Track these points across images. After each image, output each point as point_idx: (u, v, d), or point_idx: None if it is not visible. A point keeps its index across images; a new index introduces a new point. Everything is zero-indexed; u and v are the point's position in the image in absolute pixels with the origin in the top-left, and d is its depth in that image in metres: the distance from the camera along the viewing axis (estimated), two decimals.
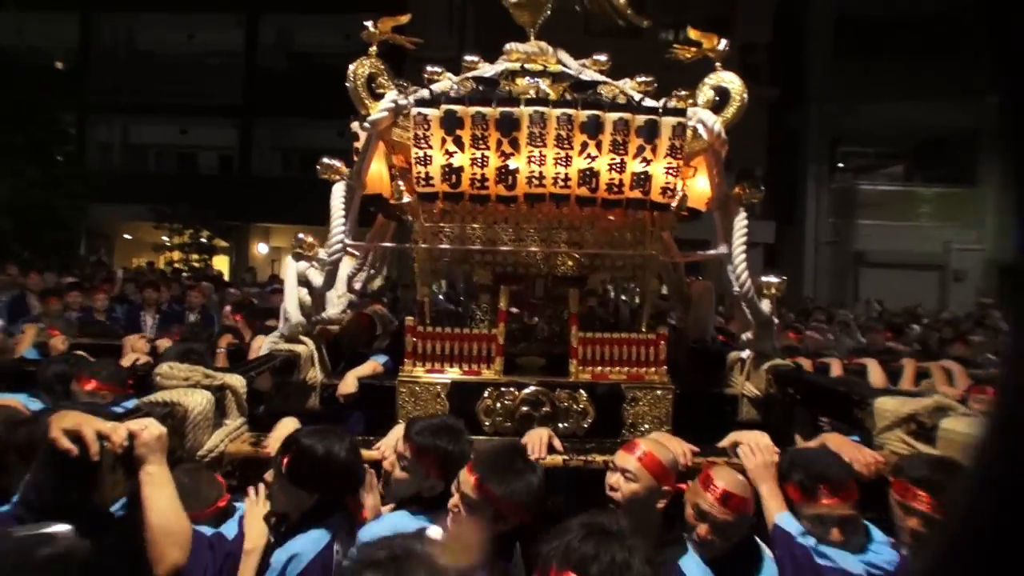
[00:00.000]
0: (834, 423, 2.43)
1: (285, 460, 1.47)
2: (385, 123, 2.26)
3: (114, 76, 14.24)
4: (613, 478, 1.67)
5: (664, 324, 2.62)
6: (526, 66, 2.71)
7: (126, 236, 15.38)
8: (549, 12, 2.91)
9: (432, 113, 2.12)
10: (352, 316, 3.18)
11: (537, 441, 1.92)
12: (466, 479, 1.46)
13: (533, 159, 2.14)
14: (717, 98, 2.45)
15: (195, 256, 12.68)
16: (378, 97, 2.32)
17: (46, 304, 5.19)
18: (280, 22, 14.45)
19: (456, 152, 2.14)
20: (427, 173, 2.17)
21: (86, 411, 1.25)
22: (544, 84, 2.64)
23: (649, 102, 2.57)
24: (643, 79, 2.76)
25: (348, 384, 2.52)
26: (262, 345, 3.22)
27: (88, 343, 3.62)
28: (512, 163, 2.15)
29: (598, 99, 2.23)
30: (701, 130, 2.32)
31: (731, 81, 2.43)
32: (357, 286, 3.14)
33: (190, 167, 16.15)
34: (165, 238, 12.79)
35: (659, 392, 2.50)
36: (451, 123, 2.11)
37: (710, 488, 1.53)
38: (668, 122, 2.20)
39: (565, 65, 2.79)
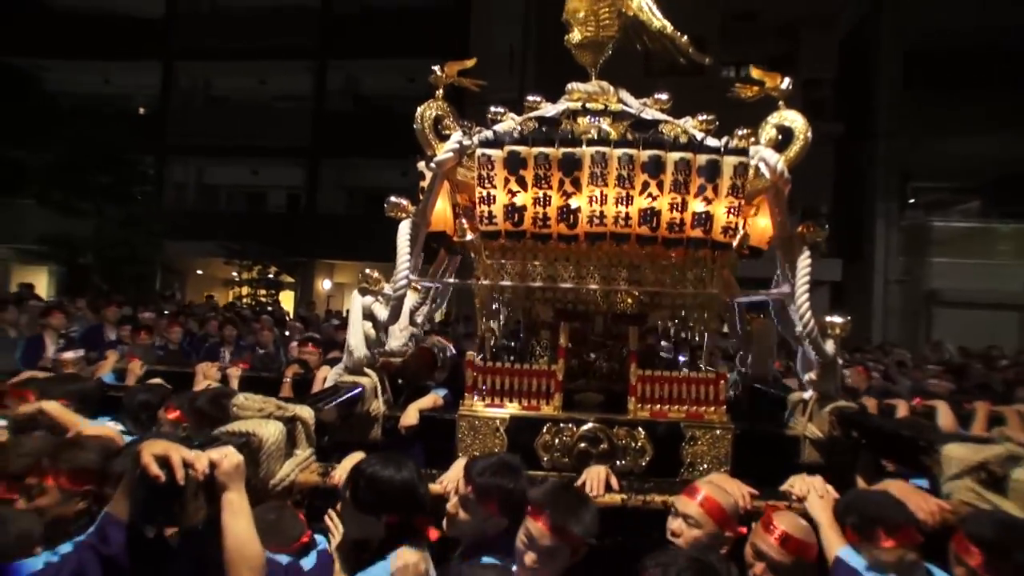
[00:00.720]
0: (900, 469, 2.31)
1: (350, 487, 1.54)
2: (450, 163, 2.40)
3: (191, 120, 15.60)
4: (675, 524, 1.66)
5: (725, 363, 2.57)
6: (587, 105, 2.81)
7: (198, 272, 16.46)
8: (610, 52, 3.01)
9: (496, 154, 2.23)
10: (414, 350, 3.27)
11: (595, 479, 1.92)
12: (537, 529, 1.47)
13: (594, 199, 2.21)
14: (780, 136, 2.46)
15: (262, 291, 13.38)
16: (444, 138, 2.46)
17: (125, 333, 5.62)
18: (347, 67, 15.47)
19: (519, 192, 2.24)
20: (490, 212, 2.27)
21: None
22: (605, 123, 2.73)
23: (711, 141, 2.61)
24: (704, 118, 2.80)
25: (410, 416, 2.59)
26: (328, 376, 3.39)
27: (163, 370, 3.79)
28: (574, 202, 2.23)
29: (659, 139, 2.29)
30: (763, 169, 2.33)
31: (794, 120, 2.44)
32: (419, 319, 3.25)
33: (259, 206, 17.28)
34: (235, 274, 13.58)
35: (718, 432, 2.47)
36: (514, 163, 2.22)
37: (770, 529, 1.55)
38: (730, 161, 2.22)
39: (626, 104, 2.88)
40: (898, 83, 13.13)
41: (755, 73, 2.55)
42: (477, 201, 2.29)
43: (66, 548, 1.29)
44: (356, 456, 1.83)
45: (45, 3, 15.79)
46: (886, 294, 12.96)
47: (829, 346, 2.56)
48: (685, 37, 3.04)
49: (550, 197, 2.23)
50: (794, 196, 2.52)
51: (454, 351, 4.74)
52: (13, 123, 13.25)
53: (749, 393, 3.27)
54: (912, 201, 13.90)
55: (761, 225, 2.65)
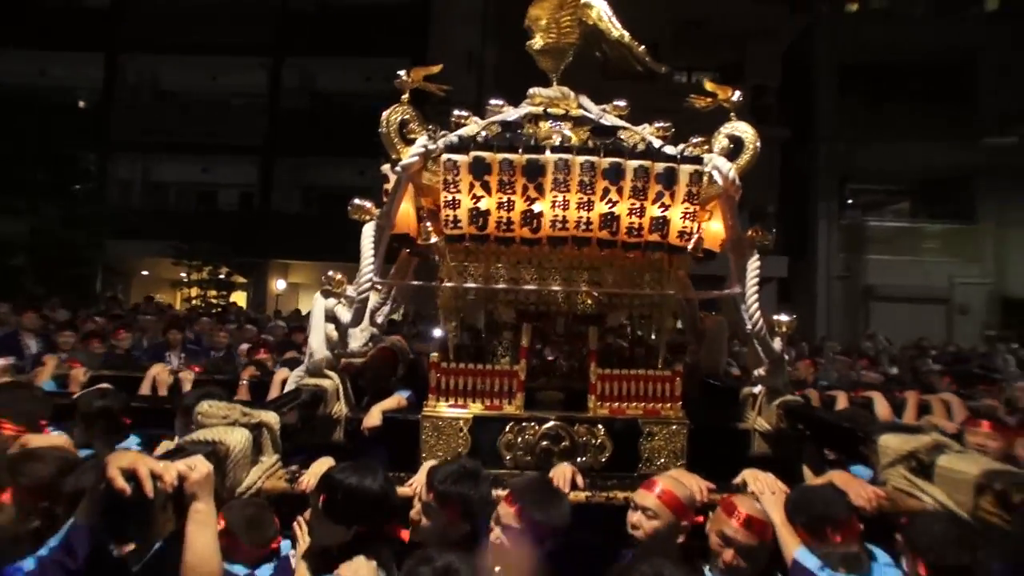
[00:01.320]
0: (842, 458, 2.48)
1: (321, 497, 1.53)
2: (416, 167, 2.40)
3: (137, 116, 14.76)
4: (635, 516, 1.73)
5: (681, 360, 2.68)
6: (549, 110, 2.86)
7: (144, 272, 15.66)
8: (571, 58, 3.07)
9: (461, 159, 2.26)
10: (375, 350, 3.25)
11: (561, 477, 1.98)
12: (506, 511, 1.55)
13: (557, 204, 2.27)
14: (731, 145, 2.57)
15: (213, 292, 12.87)
16: (409, 142, 2.46)
17: (68, 339, 5.29)
18: (303, 64, 15.04)
19: (483, 196, 2.27)
20: (455, 216, 2.29)
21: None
22: (566, 128, 2.79)
23: (668, 148, 2.70)
24: (661, 125, 2.89)
25: (373, 417, 2.58)
26: (287, 378, 3.32)
27: (110, 375, 3.59)
28: (537, 207, 2.28)
29: (620, 146, 2.36)
30: (716, 176, 2.43)
31: (745, 130, 2.56)
32: (380, 320, 3.23)
33: (210, 204, 16.57)
34: (183, 275, 13.00)
35: (674, 427, 2.58)
36: (479, 169, 2.25)
37: (734, 514, 1.63)
38: (686, 170, 2.32)
39: (586, 110, 2.94)
40: (834, 92, 13.96)
41: (708, 86, 2.65)
42: (442, 205, 2.30)
43: (29, 564, 1.24)
44: (324, 462, 1.82)
45: None
46: (829, 289, 13.71)
47: (776, 343, 2.70)
48: (642, 47, 3.14)
49: (514, 202, 2.27)
50: (743, 197, 2.63)
51: (412, 352, 4.74)
52: None
53: (701, 387, 3.41)
54: (850, 202, 14.75)
55: (714, 229, 2.76)
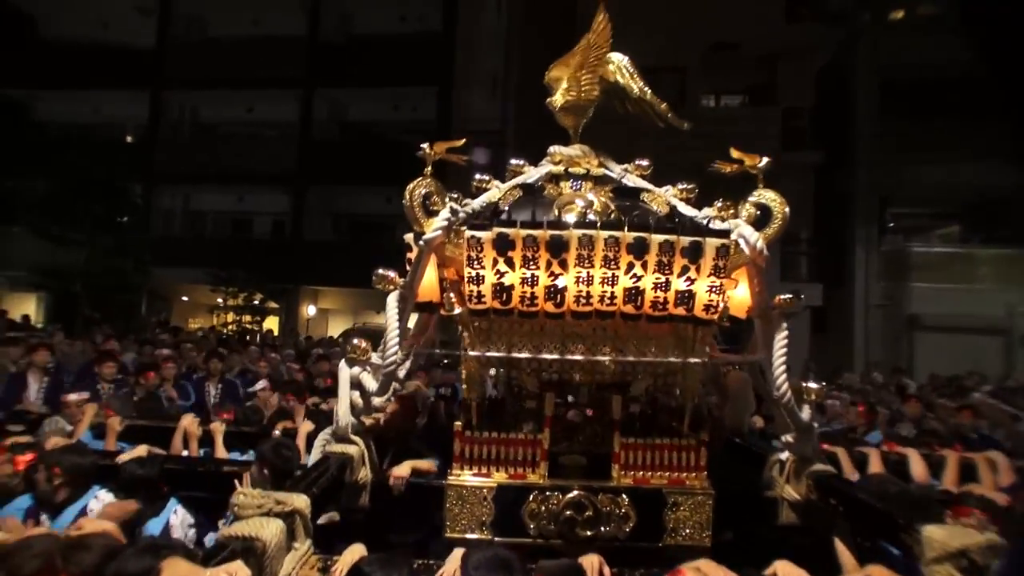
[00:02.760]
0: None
1: None
2: (438, 240, 2.46)
3: (179, 148, 15.67)
4: None
5: (705, 428, 2.65)
6: (569, 169, 2.89)
7: (184, 298, 16.32)
8: (591, 115, 3.10)
9: (485, 235, 2.31)
10: (397, 400, 3.29)
11: (590, 567, 1.95)
12: None
13: (581, 279, 2.29)
14: (759, 213, 2.55)
15: (247, 318, 13.31)
16: (432, 214, 2.53)
17: (106, 368, 5.56)
18: (333, 96, 15.63)
19: (507, 272, 2.31)
20: (479, 291, 2.34)
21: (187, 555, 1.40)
22: (588, 190, 2.82)
23: (692, 212, 2.70)
24: (684, 186, 2.88)
25: (404, 469, 2.63)
26: (311, 431, 3.40)
27: (143, 424, 3.81)
28: (560, 282, 2.30)
29: (644, 221, 2.37)
30: (743, 245, 2.42)
31: (773, 199, 2.53)
32: (401, 374, 3.28)
33: (245, 232, 17.22)
34: (220, 300, 13.49)
35: (700, 497, 2.56)
36: (503, 245, 2.29)
37: None
38: (712, 243, 2.32)
39: (608, 169, 2.96)
40: (875, 112, 13.54)
41: (735, 153, 2.63)
42: (466, 280, 2.35)
43: None
44: (356, 550, 1.86)
45: (37, 33, 15.84)
46: (867, 319, 13.23)
47: (805, 412, 2.63)
48: (664, 104, 3.16)
49: (537, 277, 2.31)
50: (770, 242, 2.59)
51: (431, 396, 4.81)
52: (4, 153, 13.27)
53: (726, 445, 3.34)
54: (891, 226, 14.25)
55: (740, 296, 2.73)
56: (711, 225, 2.49)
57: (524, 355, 2.51)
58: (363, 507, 2.66)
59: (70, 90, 15.34)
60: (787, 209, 2.53)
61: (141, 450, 2.87)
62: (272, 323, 14.70)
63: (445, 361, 6.73)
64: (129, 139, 16.53)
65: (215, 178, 15.32)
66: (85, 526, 1.95)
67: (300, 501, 1.86)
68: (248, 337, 12.14)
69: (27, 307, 14.73)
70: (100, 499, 2.49)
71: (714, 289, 2.35)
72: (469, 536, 2.47)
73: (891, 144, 13.02)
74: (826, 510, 2.59)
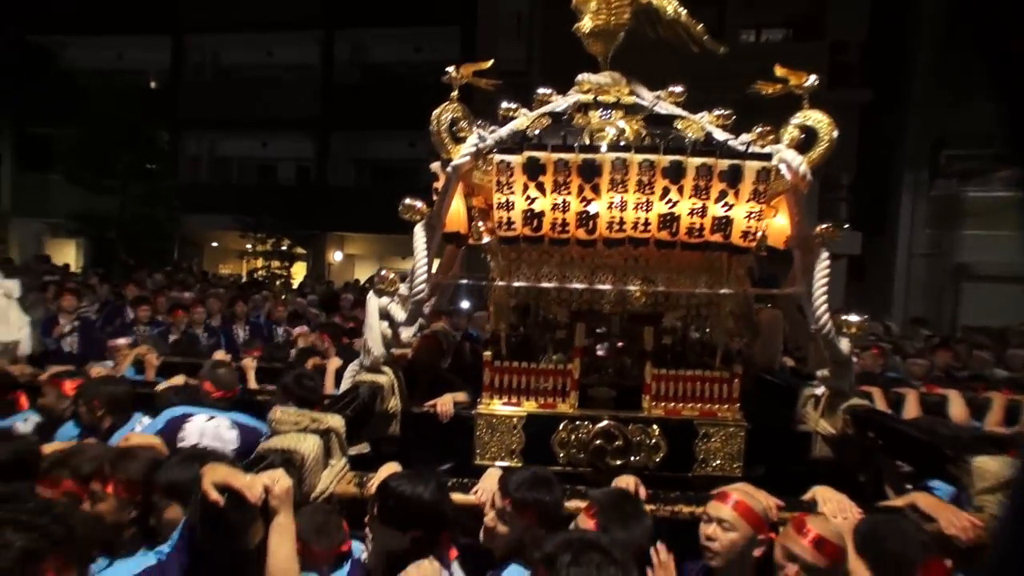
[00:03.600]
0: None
1: (378, 504, 1.63)
2: (467, 167, 2.41)
3: (202, 94, 15.58)
4: (709, 529, 1.69)
5: (738, 361, 2.62)
6: (599, 98, 2.77)
7: (214, 244, 16.70)
8: (621, 40, 2.94)
9: (515, 160, 2.24)
10: (421, 339, 3.34)
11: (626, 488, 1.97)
12: (586, 525, 1.58)
13: (614, 205, 2.22)
14: (803, 136, 2.42)
15: (276, 263, 13.59)
16: (459, 140, 2.46)
17: (141, 311, 5.85)
18: (354, 37, 15.22)
19: (538, 197, 2.25)
20: (509, 218, 2.29)
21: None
22: (619, 119, 2.70)
23: (730, 139, 2.58)
24: (721, 112, 2.75)
25: (447, 404, 2.68)
26: (339, 367, 3.49)
27: (178, 361, 3.98)
28: (593, 208, 2.24)
29: (680, 143, 2.27)
30: (785, 171, 2.31)
31: (819, 120, 2.40)
32: (426, 310, 3.31)
33: (270, 178, 17.31)
34: (249, 246, 13.78)
35: (732, 429, 2.56)
36: (534, 169, 2.23)
37: (803, 532, 1.55)
38: (752, 166, 2.22)
39: (640, 97, 2.83)
40: (936, 44, 12.50)
41: (779, 72, 2.48)
42: (495, 206, 2.31)
43: (150, 559, 1.41)
44: (390, 467, 1.92)
45: None
46: (910, 268, 12.74)
47: (844, 344, 2.58)
48: (700, 25, 2.96)
49: (569, 203, 2.25)
50: (814, 167, 2.48)
51: (456, 335, 4.88)
52: (36, 100, 13.51)
53: (756, 382, 3.31)
54: (944, 169, 13.45)
55: (779, 225, 2.63)
56: (750, 149, 2.38)
57: (552, 284, 2.49)
58: (393, 436, 2.74)
59: (93, 35, 15.28)
60: (835, 132, 2.39)
61: (178, 380, 2.99)
62: (299, 269, 14.98)
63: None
64: (153, 85, 16.53)
65: (239, 124, 15.33)
66: (132, 439, 2.07)
67: (335, 420, 1.92)
68: (278, 282, 12.44)
69: (68, 253, 15.40)
70: (142, 424, 2.62)
71: (753, 215, 2.26)
72: (499, 464, 2.54)
73: (950, 80, 12.08)
74: (863, 444, 2.57)
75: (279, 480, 1.45)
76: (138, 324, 5.78)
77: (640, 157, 2.19)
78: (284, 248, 13.76)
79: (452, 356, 4.11)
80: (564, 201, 2.24)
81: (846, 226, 2.82)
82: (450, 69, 2.52)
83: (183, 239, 15.15)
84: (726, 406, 2.60)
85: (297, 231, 13.74)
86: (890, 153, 12.94)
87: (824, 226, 2.50)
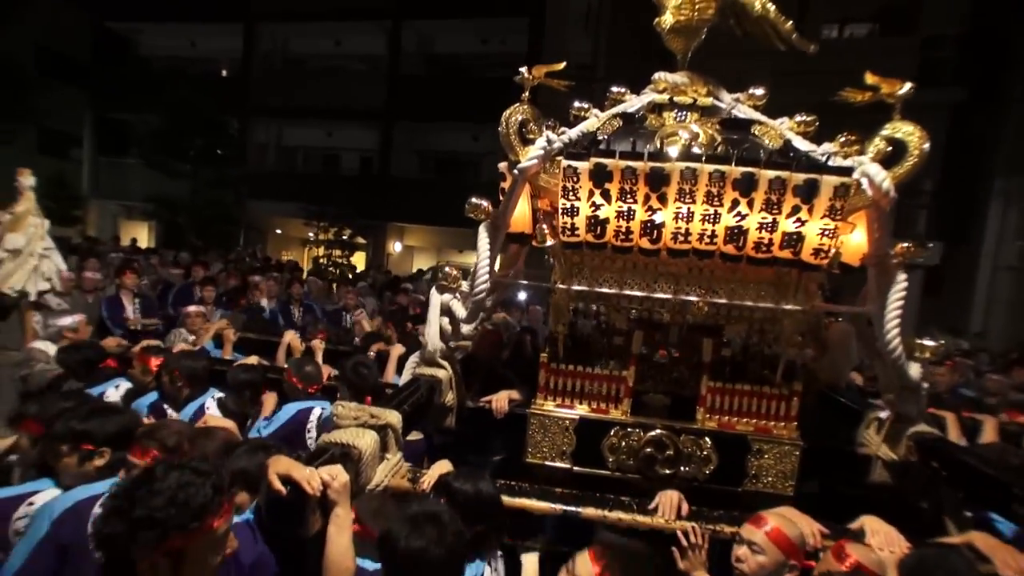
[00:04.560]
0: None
1: (443, 501, 1.72)
2: (534, 170, 2.45)
3: (271, 83, 16.30)
4: (740, 550, 1.73)
5: (799, 379, 2.55)
6: (675, 98, 2.74)
7: (277, 231, 17.52)
8: (703, 37, 2.87)
9: (582, 166, 2.26)
10: (482, 334, 3.43)
11: (668, 504, 2.00)
12: (585, 568, 1.57)
13: (680, 215, 2.21)
14: (890, 149, 2.31)
15: (337, 252, 14.13)
16: (528, 142, 2.51)
17: (205, 292, 6.25)
18: (421, 28, 15.49)
19: (603, 204, 2.27)
20: (573, 224, 2.33)
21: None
22: (693, 122, 2.66)
23: (807, 146, 2.50)
24: (802, 118, 2.67)
25: (503, 399, 2.77)
26: (402, 353, 3.65)
27: (253, 338, 4.39)
28: (658, 217, 2.24)
29: (754, 155, 2.23)
30: (866, 186, 2.22)
31: (910, 133, 2.28)
32: (488, 304, 3.39)
33: (334, 167, 17.92)
34: (311, 234, 14.37)
35: (786, 447, 2.52)
36: (600, 176, 2.24)
37: (842, 558, 1.56)
38: (830, 181, 2.14)
39: (718, 99, 2.78)
40: None
41: (870, 78, 2.35)
42: (560, 212, 2.34)
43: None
44: (442, 465, 2.02)
45: None
46: (994, 282, 11.83)
47: (915, 370, 2.47)
48: (789, 23, 2.87)
49: (634, 211, 2.25)
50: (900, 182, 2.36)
51: (516, 327, 4.97)
52: (114, 86, 14.55)
53: (819, 398, 3.21)
54: None
55: (855, 241, 2.53)
56: (830, 162, 2.30)
57: (611, 290, 2.50)
58: (449, 428, 2.84)
59: (168, 23, 16.18)
60: (926, 145, 2.27)
61: (252, 359, 3.23)
62: (359, 259, 15.50)
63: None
64: (224, 73, 17.40)
65: (305, 113, 15.92)
66: (209, 421, 2.25)
67: (392, 416, 2.02)
68: (339, 271, 12.96)
69: (140, 234, 16.54)
70: (214, 398, 2.87)
71: (827, 232, 2.20)
72: (548, 464, 2.60)
73: None
74: (926, 473, 2.47)
75: (337, 475, 1.55)
76: (205, 304, 6.20)
77: (711, 168, 2.16)
78: (345, 237, 14.27)
79: (512, 349, 4.19)
80: (629, 209, 2.25)
81: (930, 245, 2.72)
82: (523, 70, 2.56)
83: (248, 225, 15.97)
84: (782, 424, 2.56)
85: (359, 221, 14.21)
86: (981, 157, 11.99)
87: (905, 245, 2.36)
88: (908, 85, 2.32)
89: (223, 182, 13.55)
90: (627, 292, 2.50)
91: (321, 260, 13.62)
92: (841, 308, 2.89)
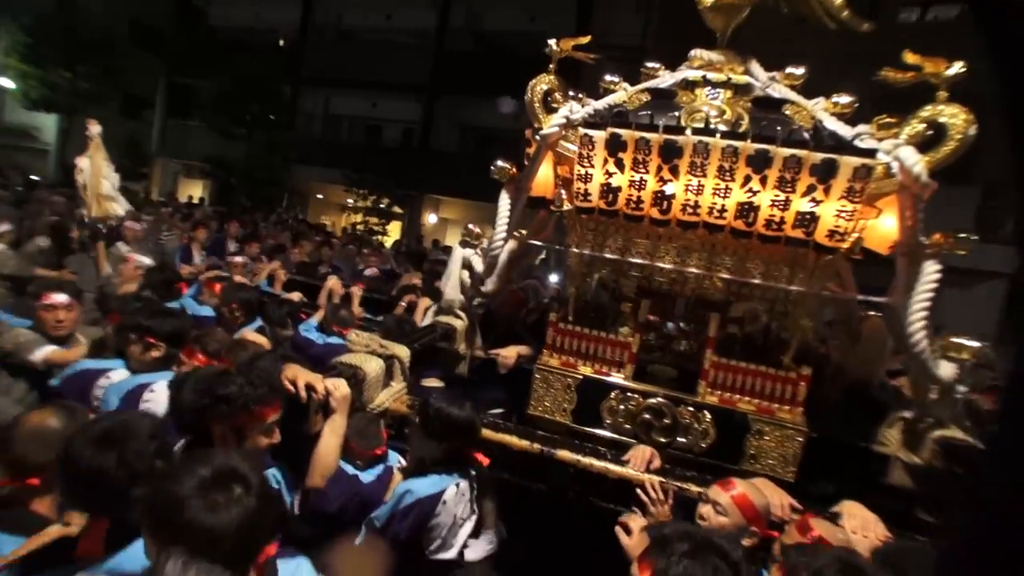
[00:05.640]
0: None
1: (420, 417, 1.91)
2: (554, 137, 2.55)
3: (322, 54, 16.82)
4: (704, 508, 1.79)
5: (809, 364, 2.57)
6: (709, 76, 2.75)
7: (319, 196, 18.11)
8: (744, 16, 2.84)
9: (598, 135, 2.35)
10: (505, 294, 3.56)
11: (639, 457, 2.09)
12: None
13: (690, 188, 2.27)
14: (930, 132, 2.24)
15: (374, 220, 14.53)
16: (552, 111, 2.60)
17: (250, 248, 6.76)
18: (471, 4, 15.59)
19: (616, 173, 2.35)
20: (586, 190, 2.42)
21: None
22: (723, 98, 2.68)
23: (838, 127, 2.47)
24: (840, 100, 2.60)
25: (511, 353, 2.92)
26: (427, 306, 3.87)
27: (300, 280, 5.05)
28: (669, 188, 2.30)
29: (770, 132, 2.26)
30: (896, 169, 2.20)
31: (953, 114, 2.18)
32: (503, 259, 3.50)
33: (376, 138, 18.35)
34: (351, 201, 14.83)
35: (789, 431, 2.52)
36: (615, 145, 2.32)
37: (805, 532, 1.59)
38: (849, 162, 2.14)
39: (753, 76, 2.77)
40: None
41: (910, 59, 2.25)
42: (575, 177, 2.44)
43: None
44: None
45: None
46: None
47: (946, 369, 2.39)
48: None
49: (646, 181, 2.33)
50: (967, 173, 2.26)
51: (544, 296, 5.11)
52: (184, 54, 15.43)
53: (848, 394, 3.19)
54: None
55: (885, 227, 2.48)
56: (857, 143, 2.29)
57: (615, 256, 2.58)
58: (461, 376, 3.00)
59: None
60: (972, 130, 2.17)
61: (295, 296, 3.61)
62: (395, 228, 15.87)
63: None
64: (281, 43, 18.02)
65: (352, 84, 16.37)
66: (247, 335, 2.50)
67: (401, 350, 2.20)
68: (375, 237, 13.40)
69: (196, 192, 17.66)
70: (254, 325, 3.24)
71: (844, 214, 2.21)
72: (548, 417, 2.73)
73: None
74: (950, 480, 2.41)
75: (339, 387, 1.77)
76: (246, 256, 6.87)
77: (724, 143, 2.20)
78: (383, 206, 14.64)
79: (538, 316, 4.33)
80: (641, 179, 2.32)
81: (974, 237, 2.56)
82: (551, 42, 2.64)
83: (292, 188, 16.60)
84: (787, 407, 2.56)
85: (397, 190, 14.56)
86: None
87: (945, 236, 2.28)
88: (958, 65, 2.20)
89: (273, 147, 14.15)
90: (631, 259, 2.57)
91: (359, 226, 14.04)
92: (868, 298, 2.84)
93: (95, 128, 5.12)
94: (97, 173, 5.07)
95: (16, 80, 14.12)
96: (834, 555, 1.32)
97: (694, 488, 2.00)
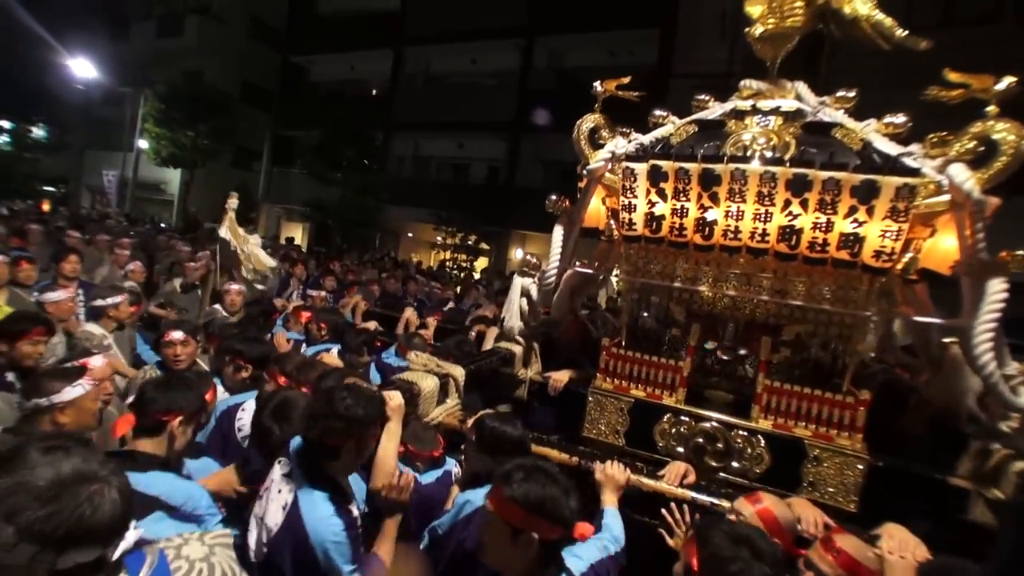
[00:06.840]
0: None
1: (475, 434, 2.14)
2: (601, 171, 2.79)
3: (412, 99, 18.35)
4: (728, 519, 1.82)
5: (871, 389, 2.54)
6: (759, 104, 2.88)
7: (409, 234, 19.40)
8: (793, 44, 2.95)
9: (639, 167, 2.57)
10: (570, 321, 3.77)
11: (674, 472, 2.20)
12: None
13: (731, 214, 2.42)
14: (982, 148, 2.26)
15: (462, 256, 15.31)
16: (599, 147, 2.85)
17: (324, 280, 7.63)
18: (552, 43, 16.36)
19: (658, 202, 2.54)
20: (631, 219, 2.63)
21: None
22: (773, 125, 2.79)
23: (890, 148, 2.49)
24: (893, 120, 2.65)
25: (562, 378, 3.11)
26: (495, 334, 4.16)
27: (378, 311, 5.56)
28: (710, 215, 2.46)
29: (809, 157, 2.35)
30: (946, 187, 2.22)
31: (1004, 130, 2.21)
32: (556, 287, 3.70)
33: (463, 177, 19.46)
34: (439, 238, 15.74)
35: (849, 459, 2.50)
36: (656, 176, 2.53)
37: (830, 548, 1.60)
38: (890, 182, 2.21)
39: (803, 101, 2.86)
40: None
41: (952, 76, 2.30)
42: (620, 208, 2.66)
43: None
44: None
45: (311, 10, 20.12)
46: None
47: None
48: (890, 20, 2.82)
49: (688, 209, 2.50)
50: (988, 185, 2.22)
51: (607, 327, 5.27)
52: (289, 109, 17.60)
53: (931, 426, 3.04)
54: None
55: (944, 247, 2.48)
56: (906, 162, 2.32)
57: (673, 284, 2.73)
58: (520, 399, 3.23)
59: (334, 53, 19.26)
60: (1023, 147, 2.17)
61: (371, 324, 4.06)
62: (482, 264, 16.57)
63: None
64: (374, 92, 19.86)
65: (440, 126, 17.62)
66: (324, 358, 2.92)
67: (456, 370, 2.49)
68: (463, 275, 14.13)
69: (296, 233, 19.85)
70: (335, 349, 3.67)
71: (889, 234, 2.25)
72: (601, 440, 2.88)
73: None
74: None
75: (394, 397, 2.06)
76: (325, 290, 7.67)
77: (761, 169, 2.33)
78: (471, 243, 15.39)
79: (594, 346, 4.53)
80: (683, 207, 2.49)
81: None
82: (596, 84, 2.92)
83: (384, 228, 17.96)
84: (846, 433, 2.55)
85: (483, 227, 15.27)
86: None
87: (1007, 253, 2.24)
88: (1007, 80, 2.23)
89: (366, 189, 15.49)
90: (686, 287, 2.70)
91: (448, 264, 14.83)
92: (937, 320, 2.75)
93: (233, 202, 5.48)
94: (237, 236, 5.50)
95: (150, 141, 17.36)
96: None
97: (725, 504, 2.06)
